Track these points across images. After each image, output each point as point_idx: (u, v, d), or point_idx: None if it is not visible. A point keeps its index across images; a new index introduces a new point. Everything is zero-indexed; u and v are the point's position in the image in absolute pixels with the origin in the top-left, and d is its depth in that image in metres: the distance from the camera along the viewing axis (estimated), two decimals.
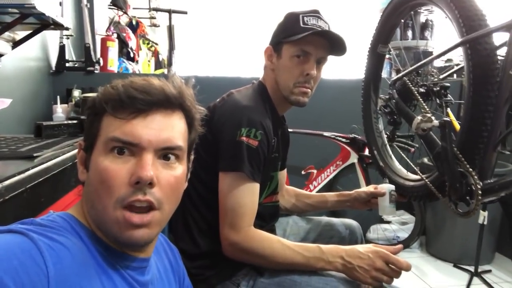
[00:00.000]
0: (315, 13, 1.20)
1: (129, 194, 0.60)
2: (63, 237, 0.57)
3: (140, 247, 0.66)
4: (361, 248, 1.07)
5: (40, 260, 0.51)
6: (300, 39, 1.15)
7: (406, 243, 2.79)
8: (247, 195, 1.12)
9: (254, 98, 1.23)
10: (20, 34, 1.72)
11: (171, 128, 0.65)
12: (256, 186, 1.14)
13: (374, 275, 1.04)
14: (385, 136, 1.40)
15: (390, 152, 1.40)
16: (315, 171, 2.88)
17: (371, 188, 1.45)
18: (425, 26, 3.41)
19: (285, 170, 1.54)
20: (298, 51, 1.19)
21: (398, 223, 3.00)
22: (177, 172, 0.66)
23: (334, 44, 1.20)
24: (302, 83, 1.21)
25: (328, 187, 2.94)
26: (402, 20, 1.35)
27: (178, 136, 0.66)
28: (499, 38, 0.96)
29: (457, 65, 1.21)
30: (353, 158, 2.77)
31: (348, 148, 2.78)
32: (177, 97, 0.66)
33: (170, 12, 3.18)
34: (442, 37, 3.33)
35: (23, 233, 0.54)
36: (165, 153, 0.64)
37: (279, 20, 1.26)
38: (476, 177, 0.93)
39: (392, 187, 1.35)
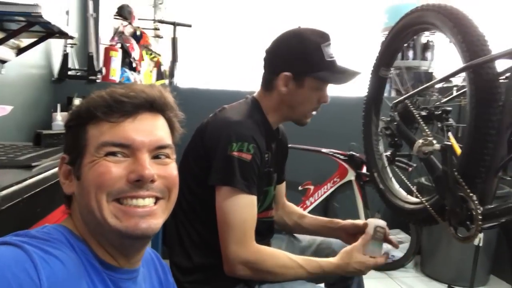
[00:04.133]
0: (328, 40, 1.21)
1: (127, 190, 0.62)
2: (58, 250, 0.57)
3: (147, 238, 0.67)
4: (354, 263, 1.16)
5: (34, 273, 0.51)
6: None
7: (401, 263, 2.77)
8: (247, 209, 1.12)
9: (246, 113, 1.22)
10: (24, 42, 1.73)
11: (159, 129, 0.68)
12: (254, 199, 1.14)
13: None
14: (385, 158, 1.39)
15: (391, 175, 1.39)
16: (312, 187, 2.87)
17: (361, 222, 1.38)
18: (426, 47, 3.45)
19: (284, 184, 1.53)
20: (323, 85, 1.23)
21: None
22: (171, 165, 0.69)
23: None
24: (316, 109, 1.28)
25: (325, 204, 2.93)
26: (405, 44, 1.35)
27: (166, 136, 0.69)
28: (502, 64, 0.97)
29: (458, 90, 1.22)
30: (351, 176, 2.77)
31: (346, 165, 2.78)
32: (161, 98, 0.69)
33: (174, 24, 3.20)
34: (443, 58, 3.37)
35: (18, 245, 0.54)
36: (157, 153, 0.67)
37: (290, 42, 1.22)
38: (476, 202, 0.93)
39: (380, 222, 1.24)
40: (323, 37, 1.21)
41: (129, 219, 0.62)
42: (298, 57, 1.20)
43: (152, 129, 0.66)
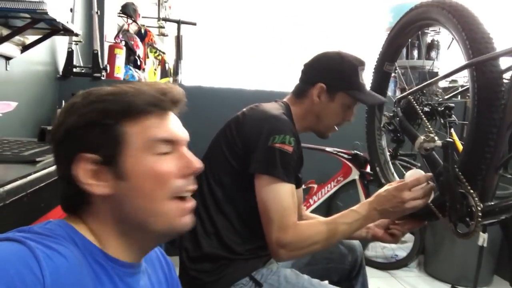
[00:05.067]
0: (364, 66, 1.31)
1: (184, 185, 0.66)
2: (61, 246, 0.57)
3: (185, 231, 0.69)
4: (384, 192, 1.14)
5: (37, 269, 0.51)
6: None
7: (404, 262, 2.77)
8: (287, 197, 1.15)
9: (283, 112, 1.28)
10: (30, 39, 1.74)
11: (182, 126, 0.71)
12: (293, 188, 1.18)
13: (409, 206, 1.09)
14: (387, 153, 1.40)
15: (392, 170, 1.39)
16: (315, 186, 2.87)
17: None
18: (431, 46, 3.44)
19: (301, 190, 1.55)
20: (352, 103, 1.31)
21: None
22: None
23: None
24: (339, 125, 1.36)
25: (328, 203, 2.92)
26: (409, 40, 1.36)
27: None
28: (505, 62, 0.96)
29: (462, 86, 1.22)
30: (354, 175, 2.76)
31: (350, 164, 2.77)
32: (183, 98, 0.70)
33: (179, 22, 3.21)
34: (448, 58, 3.35)
35: (21, 241, 0.54)
36: None
37: (330, 58, 1.31)
38: (476, 198, 0.93)
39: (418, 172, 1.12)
40: (360, 62, 1.30)
41: (185, 215, 0.66)
42: (335, 72, 1.29)
43: (181, 126, 0.70)
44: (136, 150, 0.63)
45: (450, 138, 1.01)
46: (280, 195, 1.14)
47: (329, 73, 1.29)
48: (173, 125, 0.67)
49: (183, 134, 0.69)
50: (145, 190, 0.63)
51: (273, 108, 1.28)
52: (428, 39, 3.46)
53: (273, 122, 1.19)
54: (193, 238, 1.24)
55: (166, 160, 0.65)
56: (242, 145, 1.21)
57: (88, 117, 0.63)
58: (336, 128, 1.36)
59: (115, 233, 0.65)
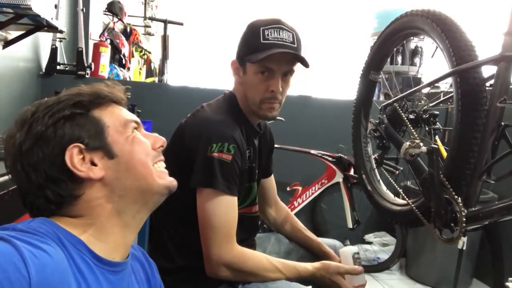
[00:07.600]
0: (276, 24, 1.16)
1: (157, 155, 0.75)
2: (46, 244, 0.57)
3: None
4: (333, 269, 1.18)
5: (23, 267, 0.51)
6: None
7: (386, 265, 2.80)
8: (229, 211, 1.10)
9: (225, 111, 1.20)
10: (12, 34, 1.71)
11: None
12: (235, 200, 1.12)
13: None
14: (373, 161, 1.40)
15: (378, 177, 1.40)
16: (300, 188, 2.89)
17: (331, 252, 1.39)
18: (415, 52, 3.50)
19: (272, 177, 1.51)
20: (261, 68, 1.15)
21: (379, 244, 3.02)
22: None
23: (298, 56, 1.17)
24: (268, 99, 1.18)
25: (312, 205, 2.94)
26: (395, 49, 1.37)
27: None
28: (487, 70, 0.99)
29: (445, 93, 1.24)
30: (338, 177, 2.78)
31: (334, 167, 2.79)
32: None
33: (165, 22, 3.19)
34: (431, 64, 3.41)
35: (6, 239, 0.53)
36: None
37: (243, 31, 1.21)
38: (461, 204, 0.95)
39: (354, 249, 1.27)
40: (268, 22, 1.16)
41: (166, 177, 0.75)
42: (240, 43, 1.21)
43: None
44: (115, 130, 0.70)
45: (434, 144, 1.02)
46: (222, 209, 1.09)
47: (238, 45, 1.21)
48: (129, 112, 0.75)
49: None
50: (136, 158, 0.70)
51: (216, 111, 1.20)
52: (412, 45, 3.52)
53: (210, 129, 1.12)
54: (166, 254, 1.19)
55: (140, 135, 0.74)
56: (184, 157, 1.13)
57: (62, 113, 0.67)
58: (270, 106, 1.18)
59: (112, 217, 0.68)
